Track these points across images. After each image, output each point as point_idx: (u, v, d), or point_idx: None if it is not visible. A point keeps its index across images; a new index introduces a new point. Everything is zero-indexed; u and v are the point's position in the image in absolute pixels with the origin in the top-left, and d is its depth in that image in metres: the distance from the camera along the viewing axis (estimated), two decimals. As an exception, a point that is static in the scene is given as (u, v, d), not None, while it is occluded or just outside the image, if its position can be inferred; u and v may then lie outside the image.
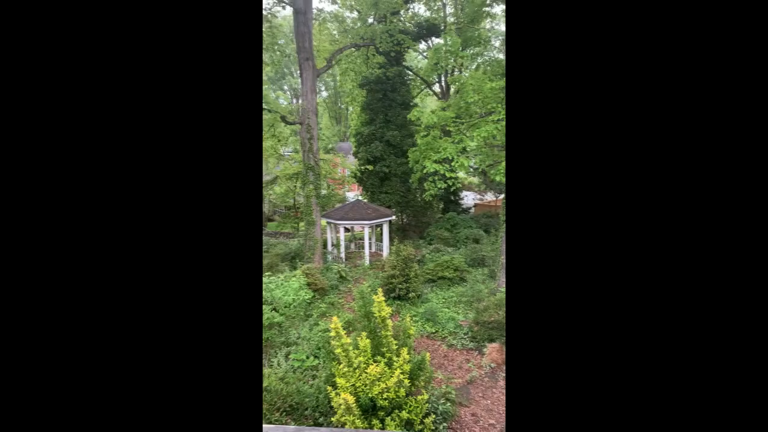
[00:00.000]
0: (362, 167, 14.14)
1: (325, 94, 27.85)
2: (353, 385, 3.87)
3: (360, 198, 14.55)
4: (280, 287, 6.70)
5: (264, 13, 12.22)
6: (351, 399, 3.54)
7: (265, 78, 17.69)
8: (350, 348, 3.99)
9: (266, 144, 14.76)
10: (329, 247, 11.91)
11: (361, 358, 3.96)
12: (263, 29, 12.32)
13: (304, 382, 4.99)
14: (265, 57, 13.86)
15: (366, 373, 3.83)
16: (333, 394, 3.86)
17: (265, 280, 6.96)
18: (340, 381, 3.88)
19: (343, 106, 27.95)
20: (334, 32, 14.60)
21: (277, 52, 13.68)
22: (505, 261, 8.12)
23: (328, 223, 12.09)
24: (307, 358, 6.01)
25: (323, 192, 11.98)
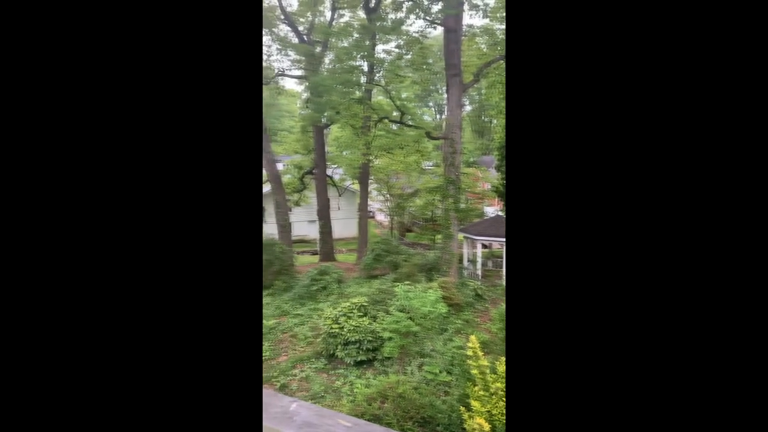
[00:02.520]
0: (504, 181, 13.53)
1: (469, 108, 27.84)
2: (489, 411, 3.68)
3: (500, 213, 13.92)
4: (418, 297, 6.88)
5: (415, 35, 12.95)
6: (486, 426, 3.37)
7: (412, 95, 18.68)
8: (487, 371, 3.81)
9: (410, 159, 15.49)
10: (465, 263, 11.71)
11: (498, 384, 3.74)
12: (414, 50, 13.05)
13: (436, 397, 4.98)
14: (415, 76, 14.63)
15: (504, 401, 3.60)
16: (467, 415, 3.74)
17: (403, 288, 7.25)
18: (475, 404, 3.74)
19: (487, 120, 27.41)
20: (483, 46, 14.49)
21: (426, 71, 14.29)
22: None
23: (465, 237, 11.92)
24: (440, 372, 5.98)
25: (462, 206, 11.89)
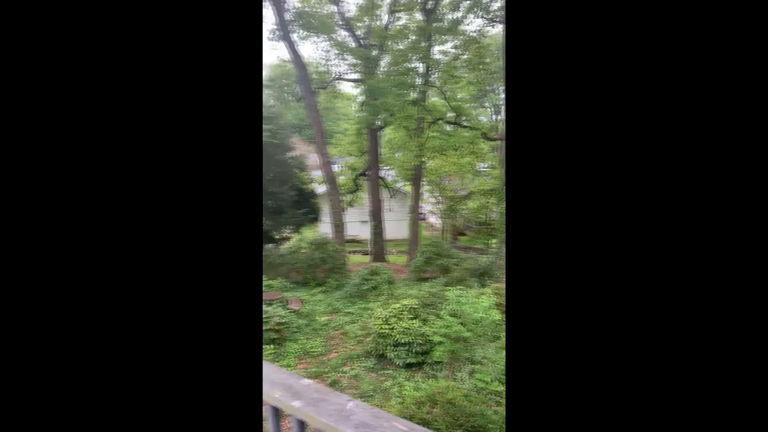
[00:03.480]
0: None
1: (527, 108, 26.60)
2: (545, 427, 3.48)
3: (560, 219, 13.16)
4: (470, 303, 6.71)
5: (473, 34, 12.68)
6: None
7: (467, 96, 18.33)
8: (544, 385, 3.61)
9: (464, 160, 15.18)
10: (521, 269, 11.21)
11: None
12: (471, 50, 12.78)
13: (487, 406, 4.82)
14: (471, 76, 14.32)
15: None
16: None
17: (455, 293, 7.11)
18: (530, 418, 3.55)
19: (546, 120, 26.04)
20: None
21: (483, 71, 13.94)
22: None
23: (521, 243, 11.41)
24: (492, 381, 5.78)
25: (519, 210, 11.40)
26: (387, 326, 6.81)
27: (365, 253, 16.96)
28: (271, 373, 1.19)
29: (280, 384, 1.12)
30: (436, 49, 13.65)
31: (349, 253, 14.59)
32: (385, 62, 14.64)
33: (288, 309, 8.43)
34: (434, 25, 12.53)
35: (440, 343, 6.29)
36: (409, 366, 6.45)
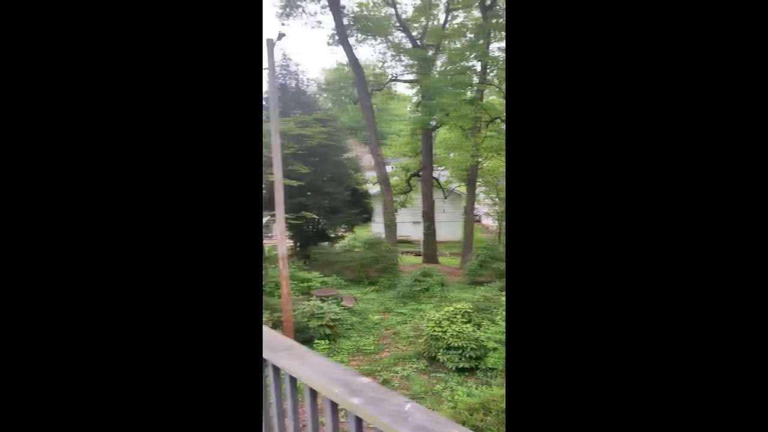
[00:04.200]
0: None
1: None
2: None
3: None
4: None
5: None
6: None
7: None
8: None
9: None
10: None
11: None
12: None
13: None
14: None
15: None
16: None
17: (511, 298, 6.86)
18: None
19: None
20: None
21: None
22: None
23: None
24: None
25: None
26: (439, 329, 6.72)
27: (417, 254, 16.89)
28: (329, 368, 1.22)
29: (339, 380, 1.14)
30: (495, 46, 13.25)
31: (401, 253, 14.63)
32: (441, 62, 14.49)
33: (342, 306, 8.63)
34: (493, 21, 12.17)
35: (494, 349, 6.09)
36: (461, 371, 6.32)
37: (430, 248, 15.21)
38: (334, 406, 1.14)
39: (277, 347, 1.39)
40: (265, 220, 13.83)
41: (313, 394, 1.20)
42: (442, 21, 14.73)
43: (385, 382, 6.20)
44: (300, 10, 14.05)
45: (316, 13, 14.30)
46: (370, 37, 14.09)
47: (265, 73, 7.40)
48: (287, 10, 13.97)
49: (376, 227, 16.23)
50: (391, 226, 13.95)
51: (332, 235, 13.69)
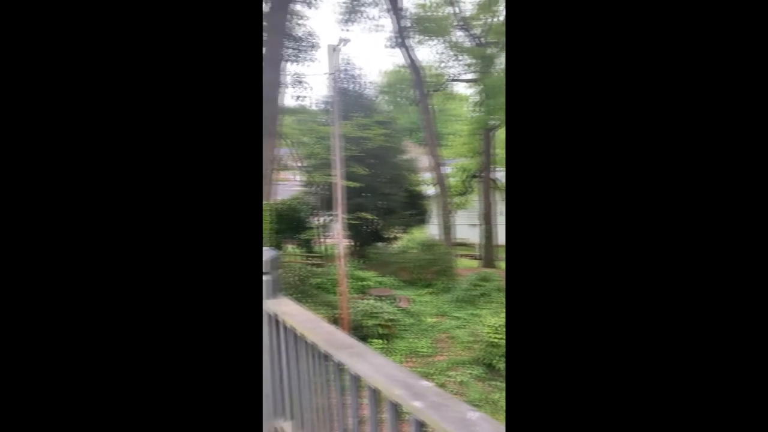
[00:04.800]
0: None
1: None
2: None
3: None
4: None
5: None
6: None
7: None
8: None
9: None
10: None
11: None
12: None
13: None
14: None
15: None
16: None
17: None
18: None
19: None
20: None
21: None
22: None
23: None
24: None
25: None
26: (498, 335, 6.49)
27: (474, 258, 16.47)
28: (390, 368, 1.22)
29: (400, 381, 1.14)
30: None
31: (458, 256, 14.35)
32: (502, 60, 13.99)
33: (397, 306, 8.67)
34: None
35: (558, 361, 5.73)
36: (520, 381, 6.03)
37: (488, 252, 14.74)
38: (394, 406, 1.15)
39: (339, 344, 1.43)
40: (324, 220, 14.31)
41: (374, 393, 1.21)
42: (503, 18, 14.22)
43: (441, 387, 6.11)
44: (361, 15, 14.36)
45: (376, 17, 14.54)
46: (429, 37, 14.01)
47: (327, 78, 7.67)
48: (349, 15, 14.35)
49: (433, 229, 16.08)
50: (447, 228, 13.74)
51: (388, 236, 13.80)
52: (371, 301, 7.89)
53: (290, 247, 13.97)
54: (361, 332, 7.31)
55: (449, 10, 14.23)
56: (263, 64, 9.59)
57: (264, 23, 11.32)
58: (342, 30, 15.60)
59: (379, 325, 7.36)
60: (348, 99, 13.57)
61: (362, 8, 14.22)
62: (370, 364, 1.25)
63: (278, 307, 1.82)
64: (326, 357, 1.50)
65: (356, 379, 1.31)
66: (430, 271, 11.42)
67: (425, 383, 1.12)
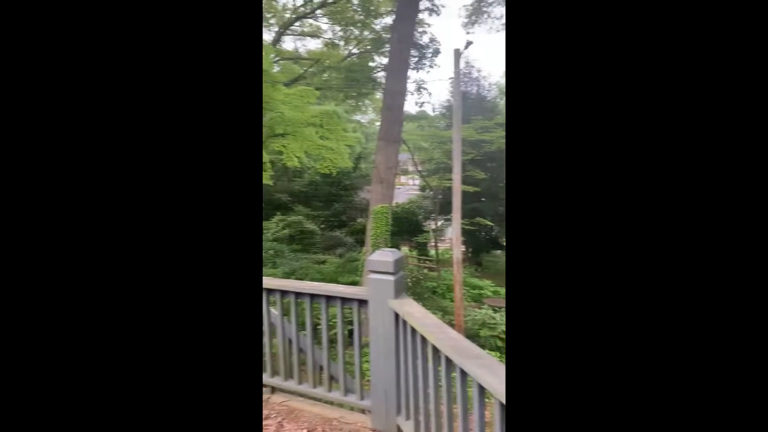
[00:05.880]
0: None
1: None
2: None
3: None
4: None
5: None
6: None
7: None
8: None
9: None
10: None
11: None
12: None
13: None
14: None
15: None
16: None
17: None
18: None
19: None
20: None
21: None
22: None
23: None
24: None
25: None
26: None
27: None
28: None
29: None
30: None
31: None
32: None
33: (514, 320, 8.15)
34: None
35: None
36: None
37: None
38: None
39: (465, 353, 1.39)
40: (440, 223, 14.31)
41: (503, 407, 1.14)
42: None
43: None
44: (485, 15, 14.01)
45: (500, 15, 14.00)
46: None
47: (450, 83, 7.67)
48: (473, 18, 14.14)
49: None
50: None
51: (505, 244, 13.11)
52: (487, 311, 7.59)
53: (405, 249, 14.36)
54: (476, 342, 7.08)
55: None
56: (388, 74, 10.09)
57: (390, 35, 11.88)
58: (466, 33, 15.42)
59: (495, 336, 7.02)
60: (469, 102, 13.35)
61: (487, 8, 13.85)
62: (498, 378, 1.19)
63: (402, 307, 1.86)
64: (450, 363, 1.48)
65: (482, 391, 1.26)
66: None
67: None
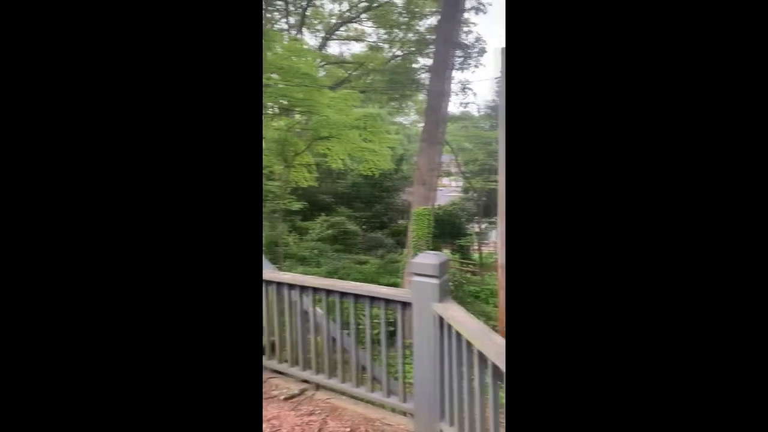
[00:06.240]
0: None
1: None
2: None
3: None
4: None
5: None
6: None
7: None
8: None
9: None
10: None
11: None
12: None
13: None
14: None
15: None
16: None
17: None
18: None
19: None
20: None
21: None
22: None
23: None
24: None
25: None
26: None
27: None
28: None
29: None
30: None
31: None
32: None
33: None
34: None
35: None
36: None
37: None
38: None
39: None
40: (483, 226, 13.98)
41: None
42: None
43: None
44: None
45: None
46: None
47: (495, 83, 7.50)
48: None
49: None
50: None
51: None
52: (532, 318, 7.31)
53: (446, 252, 14.18)
54: (518, 349, 6.84)
55: None
56: (431, 75, 10.03)
57: (434, 36, 11.80)
58: (511, 31, 14.98)
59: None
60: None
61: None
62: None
63: (447, 311, 1.84)
64: (497, 370, 1.44)
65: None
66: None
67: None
